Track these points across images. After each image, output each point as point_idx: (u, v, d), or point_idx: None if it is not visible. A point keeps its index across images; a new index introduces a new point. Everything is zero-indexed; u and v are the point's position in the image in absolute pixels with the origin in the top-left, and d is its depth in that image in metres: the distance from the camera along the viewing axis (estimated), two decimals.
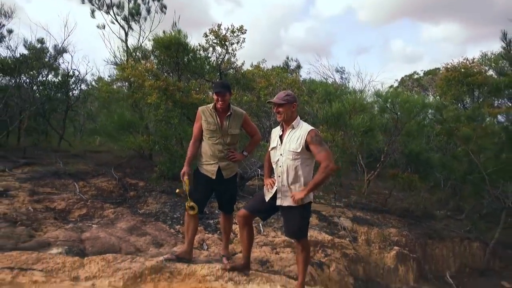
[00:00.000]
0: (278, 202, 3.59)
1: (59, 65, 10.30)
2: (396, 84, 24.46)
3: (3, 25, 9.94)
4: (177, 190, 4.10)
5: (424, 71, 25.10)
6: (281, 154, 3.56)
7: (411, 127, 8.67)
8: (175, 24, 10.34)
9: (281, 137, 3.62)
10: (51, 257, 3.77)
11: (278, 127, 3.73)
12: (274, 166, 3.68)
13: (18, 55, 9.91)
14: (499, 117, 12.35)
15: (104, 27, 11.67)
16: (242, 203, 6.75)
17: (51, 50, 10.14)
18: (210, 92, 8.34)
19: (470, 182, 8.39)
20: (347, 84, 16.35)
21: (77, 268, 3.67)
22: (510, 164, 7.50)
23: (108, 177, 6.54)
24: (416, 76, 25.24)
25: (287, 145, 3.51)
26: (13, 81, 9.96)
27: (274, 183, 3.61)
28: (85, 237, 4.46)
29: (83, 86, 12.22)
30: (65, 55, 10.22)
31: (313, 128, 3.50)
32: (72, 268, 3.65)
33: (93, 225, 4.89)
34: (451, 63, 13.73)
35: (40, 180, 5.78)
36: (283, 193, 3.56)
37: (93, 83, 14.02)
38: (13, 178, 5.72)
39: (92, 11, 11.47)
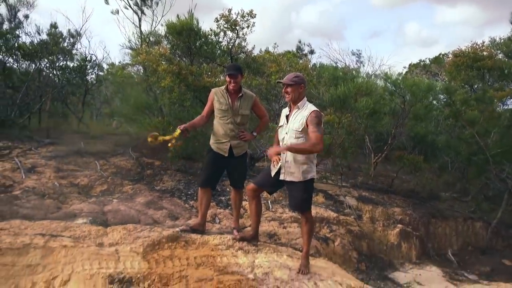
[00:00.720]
0: (281, 177, 3.81)
1: (77, 50, 10.61)
2: (405, 71, 24.21)
3: (18, 10, 10.22)
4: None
5: (430, 58, 24.70)
6: (286, 133, 3.78)
7: (418, 110, 8.77)
8: (191, 11, 10.45)
9: (287, 117, 3.83)
10: (78, 226, 4.12)
11: (286, 109, 3.94)
12: (280, 143, 3.91)
13: (38, 41, 10.25)
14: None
15: (118, 12, 11.88)
16: (252, 181, 7.05)
17: (69, 35, 10.43)
18: (221, 76, 8.56)
19: (475, 164, 8.51)
20: (361, 68, 16.37)
21: (101, 236, 4.02)
22: None
23: (126, 156, 6.87)
24: (423, 63, 24.87)
25: (291, 124, 3.72)
26: (33, 66, 10.33)
27: (279, 160, 3.84)
28: (107, 210, 4.80)
29: (99, 71, 12.55)
30: (82, 40, 10.52)
31: (317, 109, 3.67)
32: (97, 235, 3.99)
33: (114, 200, 5.23)
34: (459, 48, 13.59)
35: (64, 158, 6.14)
36: (286, 169, 3.78)
37: (107, 68, 14.32)
38: (39, 156, 6.09)
39: None
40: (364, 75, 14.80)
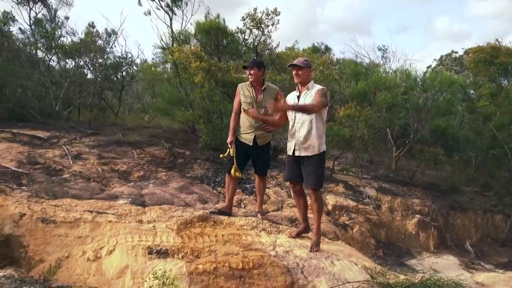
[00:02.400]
0: (297, 153, 4.04)
1: (114, 47, 11.21)
2: (434, 64, 23.69)
3: (56, 10, 10.87)
4: (221, 155, 4.75)
5: (465, 49, 24.02)
6: (297, 112, 4.03)
7: (440, 104, 8.78)
8: (218, 16, 10.76)
9: (298, 97, 4.07)
10: (120, 206, 4.56)
11: (294, 92, 4.16)
12: (291, 123, 4.11)
13: (78, 40, 10.88)
14: None
15: (150, 13, 12.32)
16: (275, 171, 7.36)
17: (106, 35, 11.03)
18: (247, 72, 8.89)
19: (494, 157, 8.46)
20: (386, 64, 16.29)
21: (141, 214, 4.44)
22: None
23: (160, 146, 7.32)
24: (454, 55, 24.22)
25: (303, 103, 3.98)
26: (73, 63, 11.01)
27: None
28: (144, 193, 5.23)
29: (134, 68, 13.11)
30: (119, 39, 11.08)
31: (323, 87, 4.02)
32: (137, 214, 4.42)
33: (150, 184, 5.66)
34: (477, 46, 13.24)
35: (105, 147, 6.64)
36: (300, 146, 4.03)
37: (141, 64, 14.88)
38: (83, 145, 6.62)
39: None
40: (388, 70, 14.71)
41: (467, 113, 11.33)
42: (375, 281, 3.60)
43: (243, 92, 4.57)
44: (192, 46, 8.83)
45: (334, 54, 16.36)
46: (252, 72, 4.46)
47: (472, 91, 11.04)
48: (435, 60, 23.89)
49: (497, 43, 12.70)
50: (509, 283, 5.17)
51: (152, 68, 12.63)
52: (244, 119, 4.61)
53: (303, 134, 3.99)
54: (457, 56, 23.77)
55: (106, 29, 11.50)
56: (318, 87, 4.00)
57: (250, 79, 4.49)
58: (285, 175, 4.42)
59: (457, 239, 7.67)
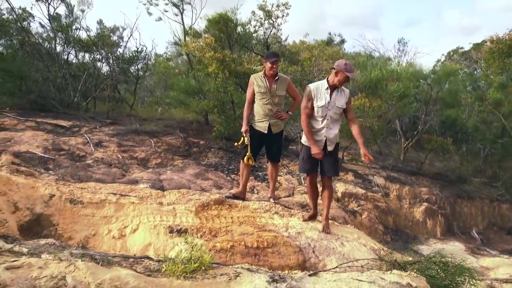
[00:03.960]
0: (329, 149, 4.20)
1: (125, 42, 11.42)
2: (443, 58, 23.43)
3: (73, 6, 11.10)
4: (235, 144, 4.92)
5: (472, 44, 23.72)
6: (329, 109, 4.11)
7: (446, 95, 8.82)
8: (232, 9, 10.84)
9: (330, 95, 4.10)
10: (141, 189, 4.77)
11: (320, 84, 4.15)
12: (321, 119, 4.15)
13: (94, 34, 11.12)
14: None
15: (163, 15, 12.43)
16: (286, 160, 7.51)
17: (121, 29, 11.26)
18: (258, 64, 9.03)
19: (501, 146, 8.49)
20: (403, 56, 16.28)
21: (161, 197, 4.64)
22: None
23: (175, 136, 7.51)
24: (463, 50, 23.93)
25: (336, 102, 4.10)
26: (91, 57, 11.25)
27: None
28: (163, 178, 5.43)
29: (148, 62, 13.30)
30: (134, 33, 11.28)
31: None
32: (157, 196, 4.62)
33: (167, 171, 5.86)
34: (496, 35, 13.14)
35: (124, 136, 6.86)
36: (330, 141, 4.19)
37: (155, 57, 15.07)
38: (103, 133, 6.85)
39: None
40: (402, 63, 14.71)
41: (476, 104, 11.32)
42: (383, 259, 3.74)
43: (257, 83, 4.71)
44: (206, 38, 9.01)
45: (345, 49, 16.39)
46: (276, 65, 4.58)
47: (482, 83, 11.00)
48: (443, 55, 23.63)
49: None
50: None
51: (166, 62, 12.82)
52: (259, 108, 4.74)
53: (335, 132, 4.19)
54: (465, 50, 23.48)
55: (116, 26, 11.75)
56: (347, 90, 4.20)
57: (272, 71, 4.58)
58: (307, 168, 4.38)
59: (463, 226, 7.76)
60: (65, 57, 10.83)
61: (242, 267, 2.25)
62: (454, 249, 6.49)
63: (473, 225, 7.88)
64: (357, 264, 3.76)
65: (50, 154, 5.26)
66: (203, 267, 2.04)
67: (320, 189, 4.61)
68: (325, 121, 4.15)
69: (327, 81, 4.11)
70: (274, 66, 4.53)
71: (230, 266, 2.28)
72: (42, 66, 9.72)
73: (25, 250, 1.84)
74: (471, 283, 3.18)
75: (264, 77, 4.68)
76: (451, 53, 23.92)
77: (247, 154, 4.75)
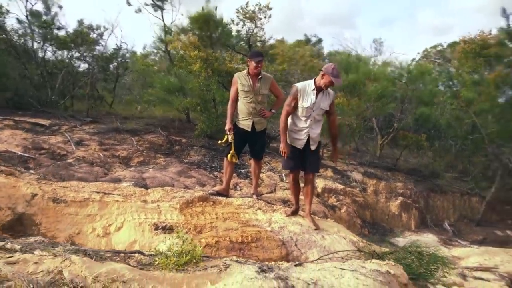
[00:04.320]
0: (312, 148, 4.32)
1: (105, 40, 11.22)
2: (418, 57, 24.08)
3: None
4: (219, 142, 4.96)
5: (448, 43, 24.46)
6: (313, 110, 4.20)
7: (422, 93, 9.15)
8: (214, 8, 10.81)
9: (316, 95, 4.18)
10: (124, 187, 4.76)
11: (307, 84, 4.22)
12: (304, 119, 4.25)
13: (72, 31, 10.87)
14: None
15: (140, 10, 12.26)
16: (268, 157, 7.61)
17: (102, 27, 11.07)
18: (241, 62, 9.09)
19: (472, 142, 8.90)
20: (379, 56, 16.65)
21: (145, 195, 4.64)
22: (509, 125, 7.94)
23: (157, 134, 7.49)
24: (439, 48, 24.65)
25: (320, 104, 4.19)
26: (69, 55, 11.01)
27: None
28: (146, 176, 5.42)
29: (126, 60, 13.08)
30: (115, 30, 11.09)
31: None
32: (141, 194, 4.62)
33: (150, 169, 5.85)
34: (469, 36, 13.68)
35: (105, 135, 6.79)
36: (313, 140, 4.30)
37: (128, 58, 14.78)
38: (84, 132, 6.76)
39: None
40: (376, 62, 15.05)
41: (448, 103, 11.76)
42: (362, 251, 3.90)
43: (241, 81, 4.77)
44: (190, 37, 8.99)
45: (323, 47, 16.65)
46: (261, 64, 4.65)
47: (455, 82, 11.43)
48: (419, 53, 24.31)
49: (487, 34, 13.06)
50: (481, 256, 5.58)
51: (144, 60, 12.66)
52: (242, 107, 4.81)
53: (317, 132, 4.30)
54: (441, 49, 24.21)
55: (96, 24, 11.52)
56: (332, 92, 4.29)
57: (257, 71, 4.63)
58: (291, 165, 4.47)
59: (436, 219, 8.09)
60: (42, 54, 10.59)
61: (231, 259, 2.33)
62: (428, 241, 6.75)
63: (445, 217, 8.23)
64: (338, 255, 3.91)
65: (30, 153, 5.17)
66: (194, 260, 2.10)
67: (302, 185, 4.73)
68: (308, 121, 4.23)
69: (314, 82, 4.17)
70: (259, 66, 4.60)
71: (220, 259, 2.35)
72: (19, 64, 9.45)
73: (17, 247, 1.85)
74: (444, 270, 3.36)
75: (247, 76, 4.74)
76: (427, 50, 24.58)
77: (231, 152, 4.81)
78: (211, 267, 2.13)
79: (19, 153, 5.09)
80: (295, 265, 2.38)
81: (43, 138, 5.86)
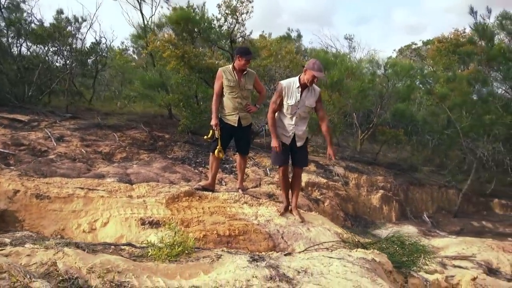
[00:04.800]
0: (298, 144, 4.36)
1: (82, 34, 10.95)
2: (394, 54, 24.59)
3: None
4: (205, 137, 4.95)
5: (423, 41, 25.09)
6: (298, 108, 4.23)
7: (400, 90, 9.39)
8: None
9: (300, 93, 4.20)
10: (109, 183, 4.70)
11: (291, 82, 4.25)
12: (290, 117, 4.28)
13: (48, 25, 10.56)
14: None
15: None
16: (252, 153, 7.65)
17: (80, 20, 10.79)
18: (222, 58, 9.07)
19: (448, 136, 9.21)
20: (352, 53, 16.87)
21: (130, 191, 4.61)
22: (481, 120, 8.28)
23: (139, 130, 7.41)
24: (414, 46, 25.25)
25: (306, 101, 4.21)
26: (45, 49, 10.70)
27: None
28: (130, 172, 5.37)
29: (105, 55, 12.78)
30: (94, 24, 10.82)
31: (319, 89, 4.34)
32: (126, 190, 4.58)
33: (134, 165, 5.79)
34: (443, 35, 14.11)
35: (86, 130, 6.67)
36: (299, 137, 4.33)
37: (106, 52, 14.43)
38: (64, 128, 6.61)
39: None
40: (353, 59, 15.29)
41: (424, 98, 12.10)
42: (346, 241, 4.00)
43: (226, 76, 4.77)
44: (165, 35, 8.89)
45: (302, 44, 16.77)
46: (249, 61, 4.67)
47: (430, 79, 11.78)
48: (395, 51, 24.82)
49: (461, 32, 13.48)
50: (459, 245, 5.80)
51: (122, 56, 12.44)
52: (228, 102, 4.81)
53: (303, 128, 4.33)
54: (416, 47, 24.80)
55: (74, 16, 11.21)
56: (317, 89, 4.26)
57: (245, 67, 4.66)
58: (280, 160, 4.47)
59: (416, 211, 8.34)
60: (17, 49, 10.27)
61: (222, 250, 2.36)
62: (408, 232, 6.98)
63: (424, 209, 8.50)
64: (323, 247, 3.99)
65: (10, 149, 5.03)
66: (186, 251, 2.12)
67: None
68: (294, 119, 4.26)
69: (299, 79, 4.19)
70: (248, 62, 4.65)
71: (211, 250, 2.38)
72: None
73: (7, 240, 1.82)
74: (426, 259, 3.49)
75: (233, 71, 4.76)
76: (403, 49, 25.14)
77: (218, 147, 4.80)
78: (203, 257, 2.15)
79: None
80: (285, 255, 2.44)
81: (22, 134, 5.71)
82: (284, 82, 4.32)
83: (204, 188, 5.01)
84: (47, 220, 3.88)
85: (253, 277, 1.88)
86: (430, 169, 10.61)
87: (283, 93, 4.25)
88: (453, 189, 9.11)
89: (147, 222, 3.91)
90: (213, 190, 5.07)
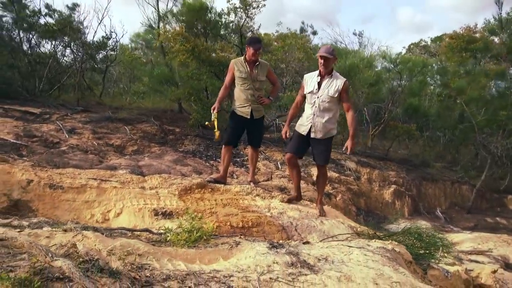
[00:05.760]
0: (312, 136, 4.22)
1: (97, 27, 11.01)
2: (404, 52, 24.35)
3: None
4: (206, 123, 4.87)
5: (431, 38, 24.80)
6: (317, 97, 4.13)
7: (413, 85, 9.26)
8: None
9: (319, 84, 4.15)
10: (121, 175, 4.69)
11: (314, 74, 4.21)
12: (309, 106, 4.22)
13: (58, 18, 10.57)
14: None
15: None
16: (262, 147, 7.60)
17: (94, 12, 10.84)
18: (232, 51, 9.02)
19: (461, 131, 9.06)
20: (363, 49, 16.71)
21: (142, 182, 4.59)
22: (497, 114, 8.11)
23: (150, 123, 7.40)
24: (423, 44, 24.97)
25: (325, 90, 4.08)
26: (56, 43, 10.75)
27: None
28: (142, 164, 5.37)
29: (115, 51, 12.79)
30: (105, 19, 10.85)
31: (346, 80, 4.12)
32: (138, 181, 4.56)
33: (145, 157, 5.79)
34: (455, 32, 13.88)
35: (97, 123, 6.68)
36: (317, 129, 4.19)
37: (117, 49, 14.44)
38: (76, 121, 6.64)
39: None
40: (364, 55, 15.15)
41: (436, 95, 11.93)
42: (361, 234, 3.94)
43: (238, 68, 4.73)
44: (177, 27, 8.86)
45: (313, 40, 16.64)
46: (259, 51, 4.61)
47: (444, 74, 11.60)
48: (404, 48, 24.60)
49: (472, 28, 13.27)
50: (475, 240, 5.70)
51: (131, 52, 12.46)
52: (240, 94, 4.76)
53: (322, 121, 4.13)
54: (425, 44, 24.52)
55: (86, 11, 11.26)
56: (341, 77, 4.10)
57: (254, 58, 4.59)
58: (291, 148, 4.43)
59: (428, 207, 8.23)
60: (29, 43, 10.32)
61: (240, 237, 2.33)
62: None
63: (437, 205, 8.38)
64: (338, 239, 3.94)
65: (23, 141, 5.05)
66: (204, 237, 2.09)
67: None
68: (313, 108, 4.17)
69: (319, 70, 4.15)
70: (258, 52, 4.59)
71: (229, 237, 2.34)
72: (6, 53, 9.20)
73: (25, 223, 1.80)
74: (444, 251, 3.42)
75: (245, 63, 4.71)
76: (411, 46, 24.91)
77: (214, 130, 4.67)
78: (222, 244, 2.12)
79: (11, 140, 4.97)
80: (303, 243, 2.39)
81: (34, 126, 5.74)
82: (306, 74, 4.37)
83: (216, 181, 4.98)
84: (61, 210, 3.88)
85: (274, 263, 1.84)
86: (442, 165, 10.47)
87: (304, 83, 4.29)
88: (466, 185, 8.98)
89: (160, 213, 3.89)
90: (225, 183, 5.03)
